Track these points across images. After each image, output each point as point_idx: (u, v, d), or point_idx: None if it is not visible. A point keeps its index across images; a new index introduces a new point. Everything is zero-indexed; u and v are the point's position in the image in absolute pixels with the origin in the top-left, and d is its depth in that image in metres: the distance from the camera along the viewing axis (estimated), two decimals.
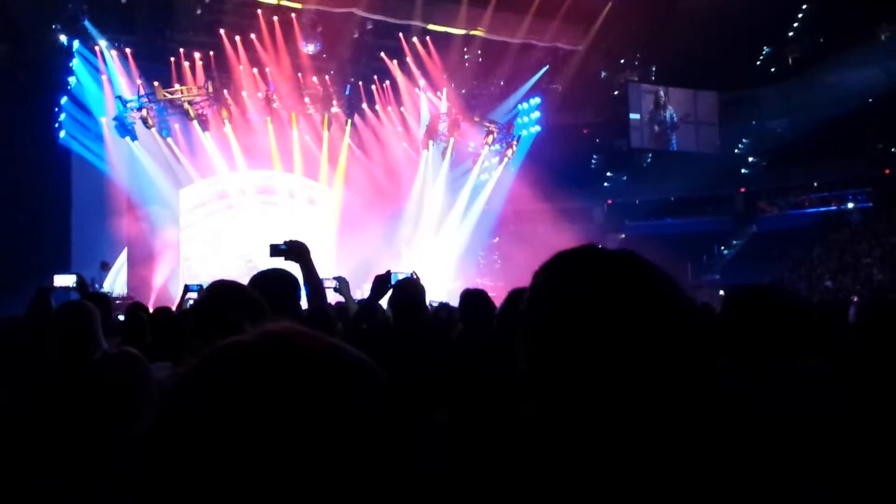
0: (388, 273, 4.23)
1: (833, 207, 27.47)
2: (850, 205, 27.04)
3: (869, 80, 24.79)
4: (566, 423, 0.96)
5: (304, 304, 3.43)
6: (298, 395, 0.67)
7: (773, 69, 27.69)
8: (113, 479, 2.29)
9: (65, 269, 16.23)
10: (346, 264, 18.12)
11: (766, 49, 27.73)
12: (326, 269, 16.55)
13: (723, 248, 28.47)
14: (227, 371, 0.69)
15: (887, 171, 26.00)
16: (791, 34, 27.21)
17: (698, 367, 0.97)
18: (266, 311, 2.26)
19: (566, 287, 1.00)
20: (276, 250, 3.63)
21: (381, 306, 4.32)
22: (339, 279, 5.37)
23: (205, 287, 2.52)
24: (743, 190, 29.54)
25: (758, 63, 27.86)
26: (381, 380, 0.74)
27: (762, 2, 23.59)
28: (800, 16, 26.46)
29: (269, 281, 2.87)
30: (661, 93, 26.48)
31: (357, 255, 18.86)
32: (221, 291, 2.40)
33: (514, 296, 3.20)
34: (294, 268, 3.32)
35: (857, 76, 24.69)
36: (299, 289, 3.10)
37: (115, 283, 18.93)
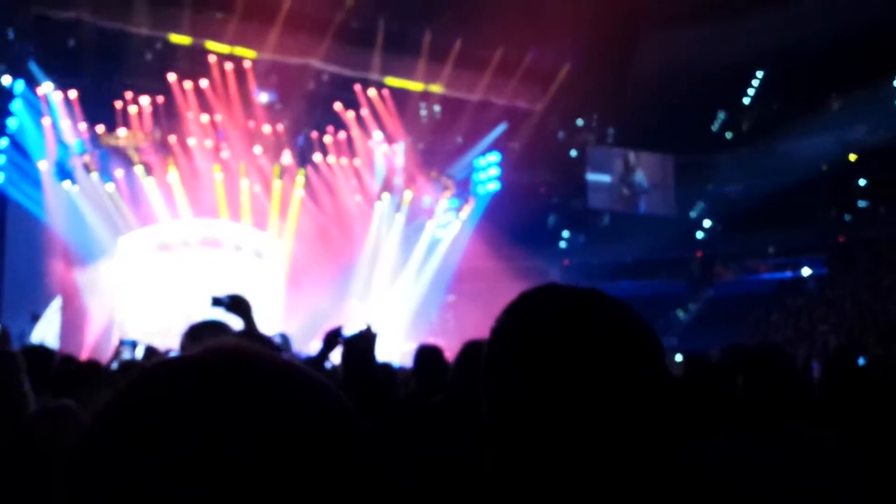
0: (339, 328, 4.06)
1: (788, 273, 27.70)
2: (806, 271, 27.28)
3: (822, 147, 25.40)
4: (528, 469, 0.93)
5: None
6: (250, 410, 0.60)
7: (727, 135, 28.22)
8: None
9: None
10: (296, 319, 17.68)
11: (721, 115, 28.29)
12: (275, 324, 15.99)
13: (679, 311, 28.44)
14: (168, 385, 0.62)
15: (841, 239, 26.37)
16: (746, 101, 27.84)
17: (663, 414, 0.96)
18: None
19: (529, 323, 0.99)
20: (217, 302, 3.49)
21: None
22: (282, 336, 5.42)
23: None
24: (699, 254, 29.74)
25: (713, 128, 28.39)
26: (344, 404, 0.67)
27: (718, 68, 24.09)
28: (755, 83, 27.10)
29: (204, 331, 2.86)
30: (632, 156, 26.81)
31: (306, 309, 18.36)
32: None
33: (470, 349, 3.18)
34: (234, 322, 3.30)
35: (811, 144, 25.26)
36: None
37: (46, 334, 18.09)
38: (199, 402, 0.60)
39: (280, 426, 0.60)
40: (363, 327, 4.46)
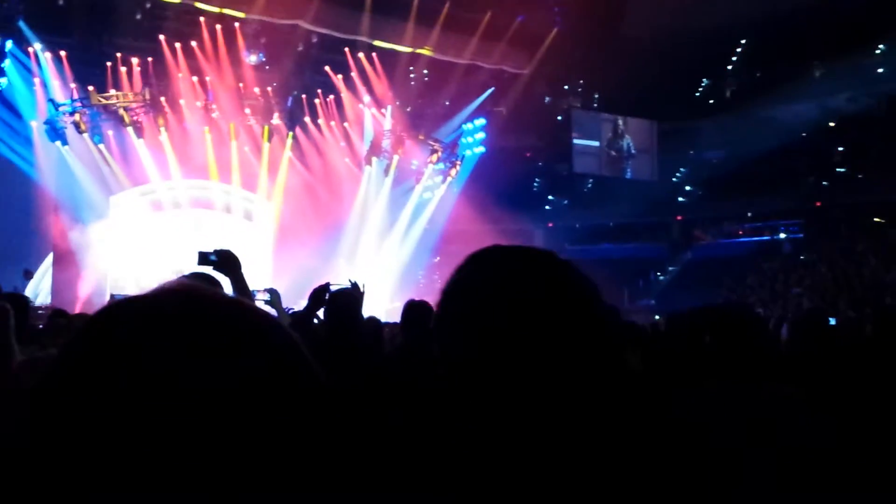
0: (327, 285, 4.11)
1: (766, 237, 28.20)
2: (783, 235, 27.80)
3: (803, 114, 25.65)
4: (484, 416, 0.97)
5: None
6: (206, 347, 0.63)
7: (710, 101, 28.42)
8: None
9: None
10: (284, 278, 17.78)
11: (704, 81, 28.47)
12: (263, 282, 16.21)
13: (658, 274, 28.94)
14: (125, 325, 0.64)
15: (818, 204, 26.83)
16: (729, 67, 28.01)
17: (608, 356, 0.99)
18: None
19: (474, 284, 1.02)
20: (204, 259, 3.48)
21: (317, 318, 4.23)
22: (271, 291, 5.25)
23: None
24: (679, 218, 30.15)
25: (696, 95, 28.58)
26: (288, 336, 0.71)
27: (702, 35, 24.18)
28: (738, 50, 27.26)
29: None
30: (620, 122, 27.03)
31: (295, 268, 18.52)
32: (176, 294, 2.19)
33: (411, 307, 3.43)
34: (223, 279, 3.20)
35: (792, 110, 25.51)
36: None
37: (39, 291, 18.24)
38: (152, 335, 0.62)
39: (228, 357, 0.63)
40: (349, 283, 4.61)
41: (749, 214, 29.12)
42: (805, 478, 1.86)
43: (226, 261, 3.39)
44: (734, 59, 27.67)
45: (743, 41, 26.74)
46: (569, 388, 0.95)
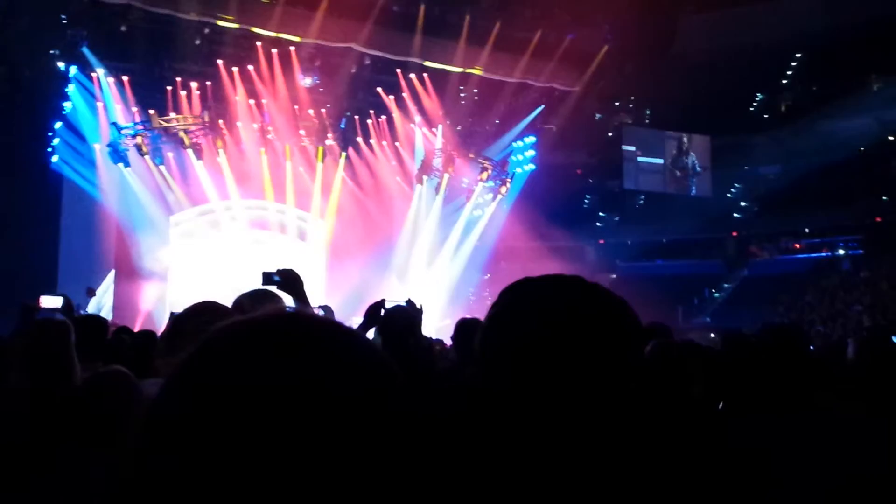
0: (382, 301, 4.11)
1: (824, 254, 27.61)
2: (841, 251, 27.19)
3: (860, 128, 25.15)
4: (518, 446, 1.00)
5: None
6: (305, 369, 0.64)
7: (765, 116, 28.04)
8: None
9: (52, 293, 16.16)
10: (337, 295, 17.98)
11: (759, 96, 28.11)
12: (315, 300, 16.42)
13: (713, 291, 28.50)
14: (232, 345, 0.66)
15: (878, 219, 26.21)
16: (784, 82, 27.62)
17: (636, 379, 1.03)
18: None
19: (519, 315, 1.06)
20: (268, 279, 3.53)
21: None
22: (325, 308, 5.34)
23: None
24: (734, 234, 29.70)
25: (751, 109, 28.21)
26: (387, 364, 0.72)
27: (756, 49, 23.93)
28: (793, 64, 26.87)
29: (253, 301, 2.80)
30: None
31: (347, 286, 18.76)
32: (201, 308, 2.32)
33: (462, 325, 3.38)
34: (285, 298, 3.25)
35: (849, 125, 25.03)
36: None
37: (101, 307, 18.76)
38: (258, 361, 0.64)
39: (332, 384, 0.64)
40: (404, 301, 4.58)
41: (806, 230, 28.57)
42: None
43: (289, 280, 3.43)
44: (789, 73, 27.28)
45: (798, 55, 26.36)
46: (600, 413, 1.00)
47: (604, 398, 1.00)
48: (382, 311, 4.02)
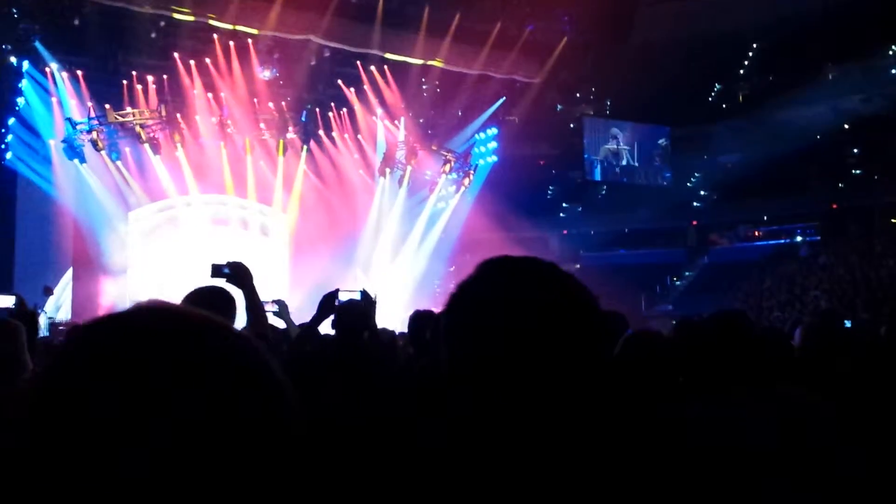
0: (336, 292, 4.07)
1: (782, 241, 28.08)
2: (799, 238, 27.67)
3: (816, 117, 25.56)
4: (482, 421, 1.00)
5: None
6: (171, 365, 0.66)
7: (724, 105, 28.37)
8: None
9: (6, 292, 15.84)
10: (301, 290, 17.89)
11: (717, 86, 28.44)
12: (280, 295, 16.30)
13: (675, 279, 28.87)
14: (103, 339, 0.68)
15: (834, 206, 26.71)
16: (741, 72, 27.97)
17: (595, 359, 1.03)
18: None
19: (477, 293, 1.07)
20: (217, 271, 3.50)
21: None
22: (279, 302, 5.26)
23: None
24: (695, 223, 30.08)
25: (709, 99, 28.54)
26: (263, 362, 0.72)
27: (714, 40, 24.19)
28: (750, 54, 27.21)
29: (203, 297, 2.78)
30: (630, 127, 27.18)
31: (311, 280, 18.60)
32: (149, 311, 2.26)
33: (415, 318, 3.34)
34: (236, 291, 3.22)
35: (805, 113, 25.43)
36: (234, 307, 2.98)
37: (60, 306, 18.47)
38: (124, 351, 0.66)
39: (193, 376, 0.65)
40: (359, 292, 4.52)
41: (765, 218, 29.01)
42: (813, 479, 1.90)
43: (238, 273, 3.41)
44: (746, 63, 27.64)
45: (755, 45, 26.70)
46: (566, 392, 0.99)
47: (573, 392, 1.00)
48: (337, 303, 3.97)
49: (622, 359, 2.89)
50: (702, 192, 29.98)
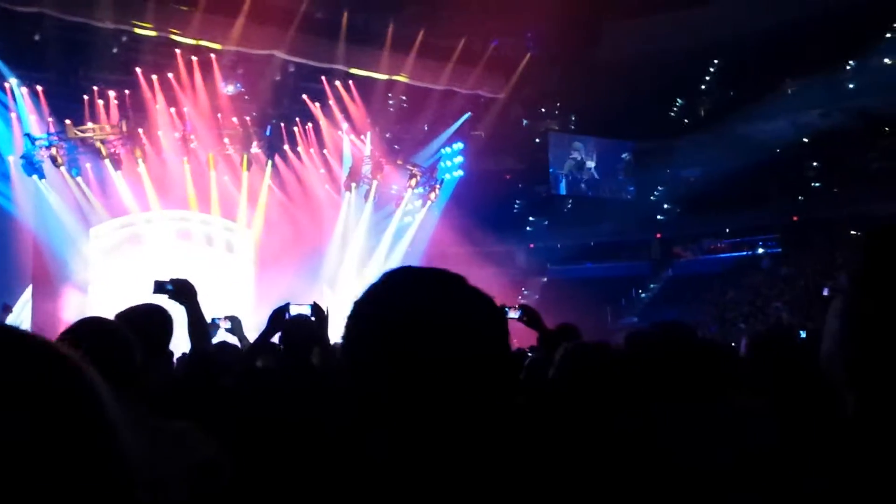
0: (286, 306, 4.00)
1: (745, 253, 28.44)
2: (761, 250, 28.06)
3: (776, 131, 26.00)
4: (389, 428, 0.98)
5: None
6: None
7: (685, 120, 28.75)
8: None
9: None
10: (266, 306, 17.61)
11: (679, 101, 28.82)
12: (245, 312, 16.15)
13: (640, 291, 29.12)
14: None
15: (795, 218, 27.13)
16: (703, 87, 28.39)
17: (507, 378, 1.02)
18: (137, 349, 2.11)
19: (379, 305, 1.04)
20: (160, 287, 3.46)
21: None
22: (233, 318, 5.25)
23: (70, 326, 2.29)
24: (659, 236, 30.38)
25: (671, 114, 28.91)
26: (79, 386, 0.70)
27: (675, 56, 24.53)
28: (711, 69, 27.63)
29: (137, 315, 2.73)
30: (592, 142, 27.44)
31: (276, 296, 18.26)
32: (88, 331, 2.19)
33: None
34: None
35: (766, 127, 25.86)
36: (170, 325, 2.93)
37: (20, 324, 18.07)
38: None
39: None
40: (309, 306, 4.47)
41: (727, 230, 29.39)
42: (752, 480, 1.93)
43: (182, 290, 3.38)
44: (707, 78, 28.06)
45: (716, 61, 27.12)
46: (469, 410, 0.97)
47: (474, 396, 0.98)
48: (284, 318, 3.91)
49: (562, 371, 2.92)
50: (665, 206, 30.31)
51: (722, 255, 29.30)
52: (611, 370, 2.86)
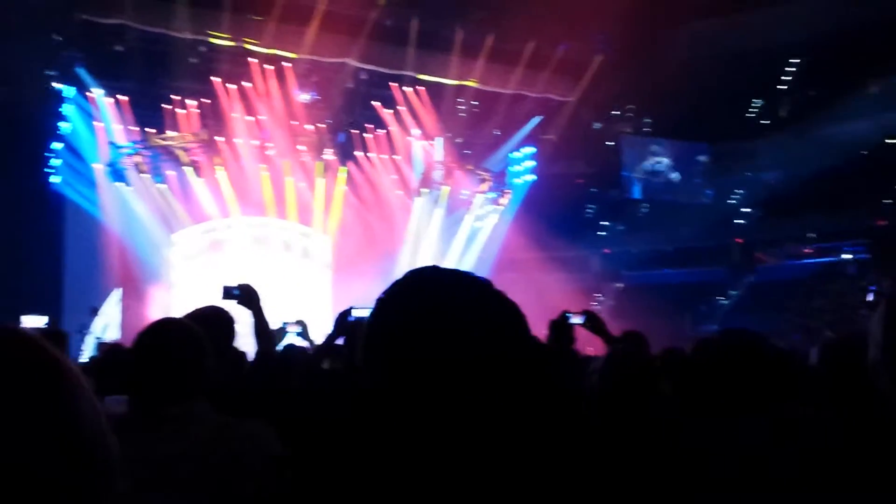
0: (348, 310, 4.11)
1: (829, 258, 27.36)
2: (846, 256, 26.93)
3: (860, 132, 24.98)
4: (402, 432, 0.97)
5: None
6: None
7: (765, 121, 27.92)
8: None
9: (51, 313, 16.29)
10: (343, 308, 17.89)
11: (757, 102, 28.01)
12: (323, 317, 16.45)
13: (720, 298, 28.32)
14: None
15: (881, 223, 25.99)
16: (782, 87, 27.53)
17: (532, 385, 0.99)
18: (209, 350, 2.26)
19: (402, 300, 1.04)
20: (228, 293, 3.60)
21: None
22: (301, 323, 5.42)
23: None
24: (738, 240, 29.52)
25: (750, 115, 28.12)
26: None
27: (753, 55, 23.90)
28: (791, 69, 26.79)
29: (202, 318, 2.86)
30: (668, 144, 26.98)
31: (353, 300, 18.63)
32: (165, 328, 2.37)
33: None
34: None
35: (849, 129, 24.87)
36: (232, 328, 3.11)
37: (107, 326, 18.93)
38: None
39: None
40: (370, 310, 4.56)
41: (811, 235, 28.33)
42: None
43: (247, 295, 3.52)
44: (787, 78, 27.20)
45: (795, 60, 26.29)
46: (469, 412, 0.95)
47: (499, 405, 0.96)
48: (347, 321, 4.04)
49: (600, 379, 2.96)
50: (745, 210, 29.43)
51: (807, 261, 28.24)
52: (644, 378, 2.87)
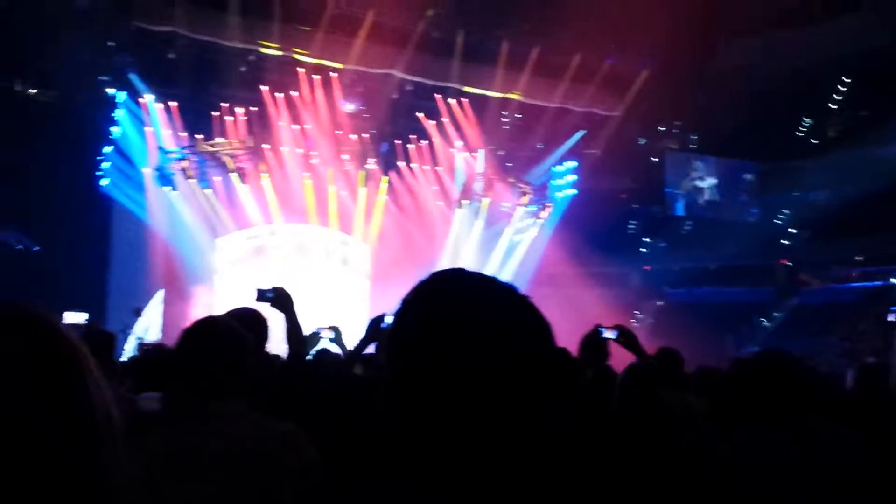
0: (381, 316, 4.05)
1: (877, 283, 26.73)
2: (895, 280, 26.30)
3: None
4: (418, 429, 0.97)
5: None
6: None
7: (813, 140, 27.45)
8: None
9: (101, 312, 16.58)
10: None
11: (806, 121, 27.56)
12: (361, 322, 16.55)
13: (763, 319, 27.81)
14: None
15: None
16: (832, 106, 27.05)
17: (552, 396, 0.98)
18: (249, 349, 2.32)
19: (424, 301, 1.02)
20: (262, 295, 3.63)
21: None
22: (335, 329, 5.41)
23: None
24: (784, 261, 28.98)
25: (798, 134, 27.67)
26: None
27: (802, 73, 23.57)
28: (841, 88, 26.33)
29: (238, 320, 2.83)
30: (714, 162, 26.68)
31: (390, 308, 18.68)
32: (213, 326, 2.41)
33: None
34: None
35: None
36: (265, 329, 3.17)
37: (149, 327, 19.24)
38: None
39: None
40: None
41: (858, 258, 27.71)
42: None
43: (281, 297, 3.55)
44: (837, 97, 26.73)
45: (845, 79, 25.84)
46: (482, 418, 0.94)
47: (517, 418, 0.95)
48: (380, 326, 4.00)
49: (620, 391, 2.97)
50: (791, 230, 28.91)
51: (854, 284, 27.61)
52: (660, 392, 2.87)
